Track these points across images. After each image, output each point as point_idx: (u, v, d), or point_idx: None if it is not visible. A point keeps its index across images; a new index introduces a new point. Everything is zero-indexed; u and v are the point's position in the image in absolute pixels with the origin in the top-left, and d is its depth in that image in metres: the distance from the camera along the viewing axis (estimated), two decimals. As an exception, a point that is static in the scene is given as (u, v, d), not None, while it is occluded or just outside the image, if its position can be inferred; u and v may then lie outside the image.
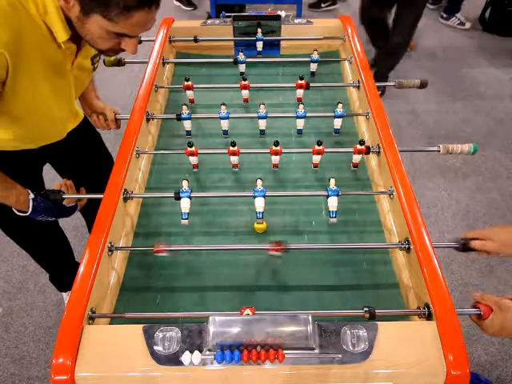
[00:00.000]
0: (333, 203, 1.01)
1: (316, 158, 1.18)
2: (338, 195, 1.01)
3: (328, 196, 1.02)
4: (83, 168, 1.46)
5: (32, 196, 1.04)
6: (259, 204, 1.00)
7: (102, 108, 1.38)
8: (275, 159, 1.18)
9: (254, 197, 1.01)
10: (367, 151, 1.15)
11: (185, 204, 1.01)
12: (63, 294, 1.89)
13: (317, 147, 1.14)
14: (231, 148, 1.13)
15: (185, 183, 1.01)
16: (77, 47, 1.03)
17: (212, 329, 0.73)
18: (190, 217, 1.11)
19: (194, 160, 1.19)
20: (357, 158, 1.19)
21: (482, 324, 0.81)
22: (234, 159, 1.18)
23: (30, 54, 0.92)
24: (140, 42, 1.60)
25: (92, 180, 1.26)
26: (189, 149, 1.15)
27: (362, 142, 1.14)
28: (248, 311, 0.79)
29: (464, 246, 0.92)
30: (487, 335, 0.82)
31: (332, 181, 1.02)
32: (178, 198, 1.01)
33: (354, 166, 1.22)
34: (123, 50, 0.97)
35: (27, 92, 0.97)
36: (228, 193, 1.15)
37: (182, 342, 0.74)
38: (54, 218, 1.11)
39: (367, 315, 0.82)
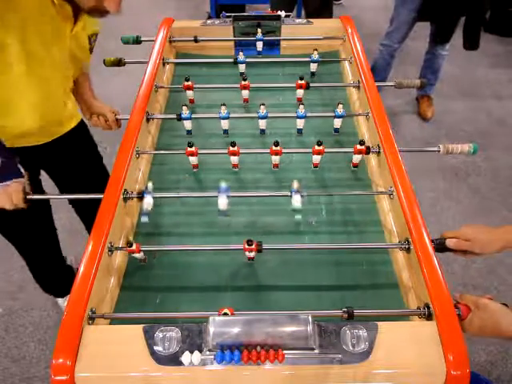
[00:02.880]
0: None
1: (316, 158, 1.18)
2: None
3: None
4: (76, 172, 1.45)
5: None
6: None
7: (101, 108, 1.38)
8: (275, 159, 1.18)
9: (291, 196, 1.03)
10: (367, 151, 1.15)
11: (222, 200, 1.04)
12: (58, 299, 1.88)
13: (317, 147, 1.14)
14: (231, 148, 1.13)
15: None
16: (74, 14, 1.04)
17: (212, 329, 0.73)
18: (190, 217, 1.11)
19: (193, 160, 1.19)
20: (357, 158, 1.19)
21: (461, 325, 0.80)
22: (234, 159, 1.18)
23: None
24: (140, 42, 1.60)
25: (83, 184, 1.25)
26: (189, 149, 1.15)
27: (362, 142, 1.14)
28: (226, 311, 0.79)
29: (438, 246, 0.93)
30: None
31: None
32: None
33: (354, 166, 1.22)
34: (107, 12, 0.98)
35: (18, 45, 0.97)
36: (265, 192, 1.14)
37: (182, 342, 0.74)
38: None
39: (345, 315, 0.81)
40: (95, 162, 1.55)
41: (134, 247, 0.92)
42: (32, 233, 1.46)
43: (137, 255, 0.96)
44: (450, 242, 0.94)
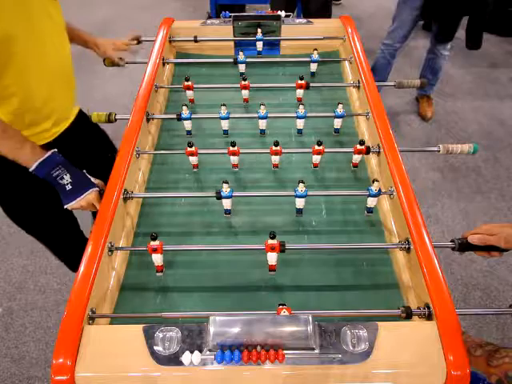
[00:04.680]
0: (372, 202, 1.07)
1: (316, 158, 1.18)
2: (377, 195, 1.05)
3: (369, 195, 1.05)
4: (89, 164, 1.47)
5: (53, 150, 1.04)
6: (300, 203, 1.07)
7: (108, 40, 1.48)
8: (275, 159, 1.18)
9: (296, 196, 1.04)
10: (367, 151, 1.15)
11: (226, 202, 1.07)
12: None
13: (317, 147, 1.14)
14: (231, 148, 1.13)
15: (225, 186, 1.03)
16: None
17: (212, 329, 0.73)
18: (190, 217, 1.11)
19: (193, 160, 1.19)
20: (357, 157, 1.19)
21: None
22: (234, 159, 1.18)
23: None
24: (140, 42, 1.61)
25: (97, 168, 1.28)
26: (189, 149, 1.15)
27: (362, 142, 1.14)
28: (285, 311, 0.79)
29: (461, 246, 0.92)
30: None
31: (375, 184, 1.03)
32: (219, 197, 1.04)
33: (354, 166, 1.22)
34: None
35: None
36: (269, 192, 1.15)
37: (182, 342, 0.74)
38: (69, 180, 1.04)
39: (404, 315, 0.82)
40: (104, 142, 1.57)
41: (157, 242, 0.91)
42: (60, 228, 1.51)
43: (156, 258, 0.94)
44: (473, 238, 0.90)
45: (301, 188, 1.03)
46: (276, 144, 1.13)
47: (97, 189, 1.07)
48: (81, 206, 1.06)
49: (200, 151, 1.17)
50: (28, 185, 1.27)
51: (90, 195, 1.05)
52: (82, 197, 1.04)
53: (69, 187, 1.03)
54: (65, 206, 1.06)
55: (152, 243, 0.91)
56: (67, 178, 1.03)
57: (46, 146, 1.22)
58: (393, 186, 1.04)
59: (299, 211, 1.09)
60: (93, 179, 1.09)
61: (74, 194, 1.04)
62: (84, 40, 1.45)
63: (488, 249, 0.91)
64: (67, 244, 1.64)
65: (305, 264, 1.00)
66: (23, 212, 1.37)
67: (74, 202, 1.04)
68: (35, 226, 1.46)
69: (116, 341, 0.75)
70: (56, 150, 1.04)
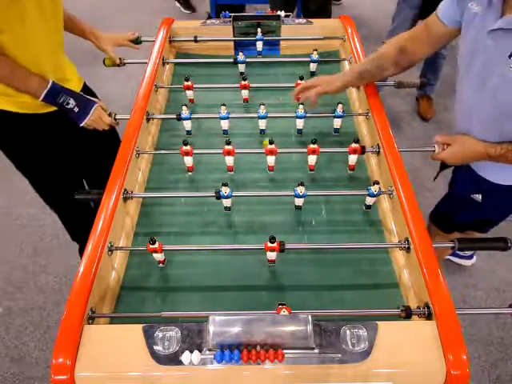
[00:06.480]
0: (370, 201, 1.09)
1: (312, 159, 1.17)
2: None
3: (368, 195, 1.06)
4: (91, 136, 1.48)
5: (51, 80, 1.17)
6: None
7: (108, 34, 1.52)
8: (271, 160, 1.18)
9: (295, 196, 1.06)
10: (362, 151, 1.15)
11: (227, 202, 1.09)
12: None
13: (311, 146, 1.13)
14: (226, 147, 1.13)
15: (224, 188, 1.04)
16: None
17: (212, 328, 0.73)
18: (189, 217, 1.11)
19: (188, 161, 1.18)
20: (353, 158, 1.18)
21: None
22: (230, 159, 1.17)
23: None
24: (140, 42, 1.61)
25: (97, 150, 1.34)
26: (184, 148, 1.14)
27: (356, 140, 1.13)
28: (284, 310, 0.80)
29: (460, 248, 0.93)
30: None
31: (375, 187, 1.04)
32: (218, 197, 1.05)
33: (351, 169, 1.21)
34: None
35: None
36: (268, 192, 1.15)
37: (182, 342, 0.74)
38: (73, 103, 1.19)
39: (403, 314, 0.82)
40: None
41: (156, 245, 0.91)
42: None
43: (157, 256, 0.96)
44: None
45: (300, 190, 1.03)
46: (271, 142, 1.12)
47: (98, 104, 1.24)
48: (93, 121, 1.22)
49: (196, 151, 1.17)
50: (47, 151, 1.36)
51: (97, 110, 1.23)
52: (90, 114, 1.22)
53: (76, 109, 1.19)
54: (80, 125, 1.23)
55: (151, 247, 0.92)
56: (72, 102, 1.18)
57: (48, 116, 1.27)
58: (393, 186, 1.04)
59: (298, 207, 1.10)
60: (90, 98, 1.23)
61: (83, 113, 1.21)
62: (81, 29, 1.46)
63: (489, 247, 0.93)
64: (77, 213, 1.66)
65: (304, 263, 1.00)
66: (43, 174, 1.45)
67: (86, 119, 1.21)
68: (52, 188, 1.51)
69: (116, 340, 0.75)
70: (52, 79, 1.16)
